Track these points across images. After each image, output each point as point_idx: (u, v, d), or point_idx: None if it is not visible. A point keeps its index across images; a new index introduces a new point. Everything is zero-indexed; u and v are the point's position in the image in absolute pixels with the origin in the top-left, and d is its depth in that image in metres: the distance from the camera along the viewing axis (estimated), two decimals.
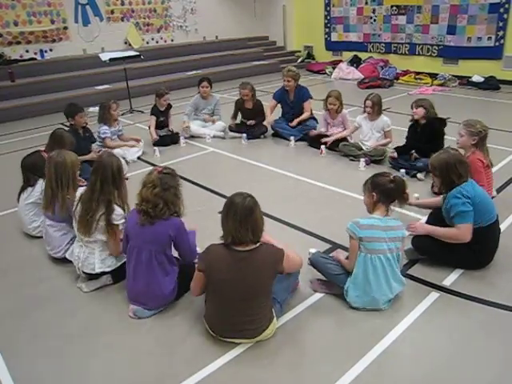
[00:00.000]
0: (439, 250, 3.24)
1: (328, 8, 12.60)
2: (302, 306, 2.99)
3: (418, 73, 10.72)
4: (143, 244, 2.86)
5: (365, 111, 5.46)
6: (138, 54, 8.42)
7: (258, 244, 2.55)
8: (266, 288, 2.60)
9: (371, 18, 11.72)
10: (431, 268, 3.33)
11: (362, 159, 5.29)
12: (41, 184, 3.90)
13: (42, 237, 3.90)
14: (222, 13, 12.93)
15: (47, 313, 3.06)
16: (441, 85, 9.97)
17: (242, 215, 2.47)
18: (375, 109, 5.35)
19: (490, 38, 9.74)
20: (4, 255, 3.85)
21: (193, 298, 3.01)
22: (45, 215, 3.66)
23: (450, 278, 3.22)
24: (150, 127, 6.43)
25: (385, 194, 2.91)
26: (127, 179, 3.50)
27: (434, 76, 10.37)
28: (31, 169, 4.03)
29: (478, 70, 9.89)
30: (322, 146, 5.80)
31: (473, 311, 2.91)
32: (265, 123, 6.57)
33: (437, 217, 3.43)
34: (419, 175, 4.95)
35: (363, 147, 5.56)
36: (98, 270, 3.16)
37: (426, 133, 4.84)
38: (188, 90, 9.46)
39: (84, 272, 3.22)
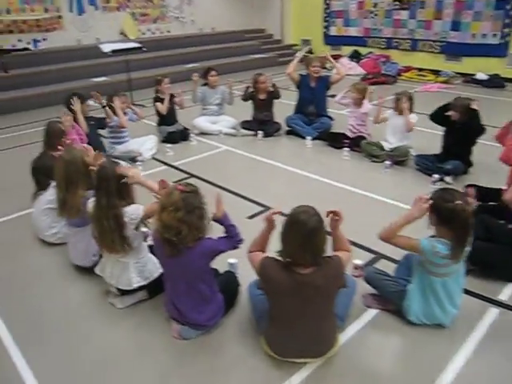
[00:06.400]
0: (499, 263, 3.06)
1: (327, 1, 12.37)
2: (357, 323, 2.79)
3: (420, 69, 10.60)
4: (176, 276, 2.59)
5: (397, 108, 5.25)
6: (140, 45, 8.08)
7: (317, 266, 2.30)
8: (330, 307, 2.42)
9: (372, 12, 11.53)
10: (484, 280, 3.15)
11: (387, 162, 5.09)
12: (53, 186, 3.62)
13: (61, 244, 3.65)
14: (218, 4, 12.61)
15: (77, 333, 2.80)
16: (444, 82, 9.86)
17: (304, 237, 2.22)
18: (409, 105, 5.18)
19: (495, 35, 9.64)
20: (19, 264, 3.53)
21: (242, 316, 2.81)
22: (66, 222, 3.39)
23: (506, 292, 3.05)
24: (158, 109, 6.10)
25: (444, 221, 2.54)
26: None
27: (436, 73, 10.27)
28: (42, 171, 3.74)
29: (481, 68, 9.78)
30: (345, 149, 5.54)
31: None
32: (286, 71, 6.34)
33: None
34: (447, 179, 4.77)
35: (385, 147, 5.38)
36: (135, 285, 2.88)
37: (461, 133, 4.67)
38: (188, 83, 9.11)
39: (118, 288, 2.94)
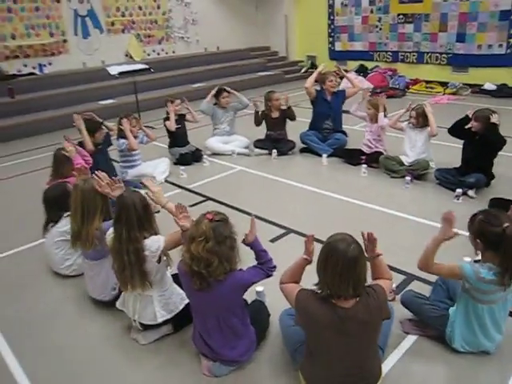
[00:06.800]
0: None
1: (331, 17, 12.38)
2: (397, 351, 2.63)
3: (427, 81, 10.53)
4: (206, 311, 2.43)
5: (417, 122, 5.10)
6: (147, 66, 8.02)
7: (358, 297, 2.13)
8: (374, 340, 2.25)
9: (377, 26, 11.51)
10: None
11: (408, 177, 4.95)
12: (67, 218, 3.45)
13: (76, 276, 3.52)
14: (222, 23, 12.63)
15: (98, 373, 2.63)
16: (453, 93, 9.79)
17: (343, 267, 2.04)
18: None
19: (501, 46, 9.58)
20: (32, 299, 3.36)
21: (275, 346, 2.65)
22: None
23: None
24: (167, 127, 6.02)
25: (491, 246, 2.37)
26: (158, 212, 3.11)
27: (444, 84, 10.19)
28: (53, 202, 3.57)
29: (488, 78, 9.71)
30: (363, 166, 5.37)
31: None
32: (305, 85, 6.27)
33: None
34: (470, 192, 4.63)
35: (404, 161, 5.24)
36: (160, 320, 2.71)
37: (481, 145, 4.55)
38: (196, 103, 9.05)
39: (141, 323, 2.78)
